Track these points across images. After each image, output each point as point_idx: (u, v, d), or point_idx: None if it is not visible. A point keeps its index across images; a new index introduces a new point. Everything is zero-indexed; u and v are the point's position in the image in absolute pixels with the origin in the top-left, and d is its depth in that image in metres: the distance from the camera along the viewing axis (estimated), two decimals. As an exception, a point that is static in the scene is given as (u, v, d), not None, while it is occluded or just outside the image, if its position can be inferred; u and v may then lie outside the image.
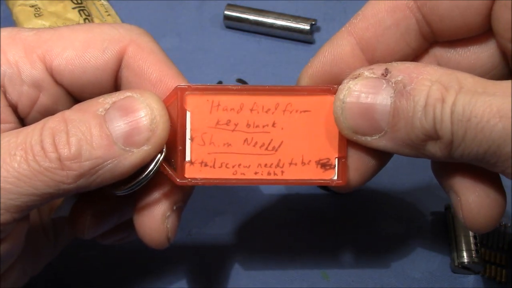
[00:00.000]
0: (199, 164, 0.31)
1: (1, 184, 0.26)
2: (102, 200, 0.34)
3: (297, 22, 0.54)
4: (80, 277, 0.42)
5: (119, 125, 0.27)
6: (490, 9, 0.29)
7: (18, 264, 0.32)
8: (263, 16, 0.55)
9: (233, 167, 0.31)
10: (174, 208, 0.32)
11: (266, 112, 0.31)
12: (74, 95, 0.32)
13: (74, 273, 0.42)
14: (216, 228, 0.44)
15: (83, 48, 0.30)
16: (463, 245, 0.42)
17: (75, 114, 0.28)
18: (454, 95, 0.26)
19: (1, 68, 0.30)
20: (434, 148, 0.28)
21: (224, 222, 0.45)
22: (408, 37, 0.31)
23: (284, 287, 0.42)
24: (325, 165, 0.32)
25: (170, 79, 0.31)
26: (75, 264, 0.42)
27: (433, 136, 0.27)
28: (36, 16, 0.52)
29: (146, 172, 0.29)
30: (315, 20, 0.54)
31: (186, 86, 0.30)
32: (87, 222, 0.33)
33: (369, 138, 0.29)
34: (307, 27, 0.54)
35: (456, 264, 0.42)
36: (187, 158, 0.31)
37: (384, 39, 0.31)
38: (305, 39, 0.55)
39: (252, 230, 0.45)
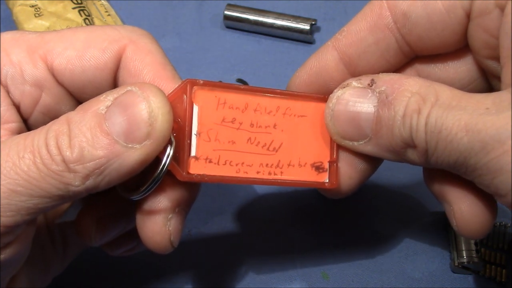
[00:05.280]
0: (204, 160, 0.30)
1: (12, 187, 0.26)
2: (108, 204, 0.34)
3: (297, 22, 0.54)
4: (81, 277, 0.42)
5: (119, 122, 0.27)
6: (466, 28, 0.30)
7: (26, 275, 0.32)
8: (263, 16, 0.55)
9: (236, 165, 0.31)
10: (177, 210, 0.31)
11: (268, 113, 0.32)
12: (74, 95, 0.32)
13: (77, 275, 0.42)
14: (216, 228, 0.44)
15: (83, 48, 0.30)
16: (463, 245, 0.42)
17: (77, 115, 0.27)
18: (430, 107, 0.28)
19: (4, 68, 0.30)
20: (413, 155, 0.29)
21: (224, 222, 0.45)
22: (388, 54, 0.32)
23: (284, 287, 0.42)
24: (318, 168, 0.33)
25: (164, 80, 0.31)
26: (78, 267, 0.42)
27: (411, 144, 0.29)
28: (36, 16, 0.52)
29: (160, 168, 0.28)
30: (315, 20, 0.54)
31: (196, 80, 0.30)
32: (93, 226, 0.33)
33: (356, 144, 0.31)
34: (307, 27, 0.54)
35: (456, 264, 0.42)
36: (192, 153, 0.30)
37: (365, 56, 0.32)
38: (305, 39, 0.55)
39: (251, 230, 0.45)
